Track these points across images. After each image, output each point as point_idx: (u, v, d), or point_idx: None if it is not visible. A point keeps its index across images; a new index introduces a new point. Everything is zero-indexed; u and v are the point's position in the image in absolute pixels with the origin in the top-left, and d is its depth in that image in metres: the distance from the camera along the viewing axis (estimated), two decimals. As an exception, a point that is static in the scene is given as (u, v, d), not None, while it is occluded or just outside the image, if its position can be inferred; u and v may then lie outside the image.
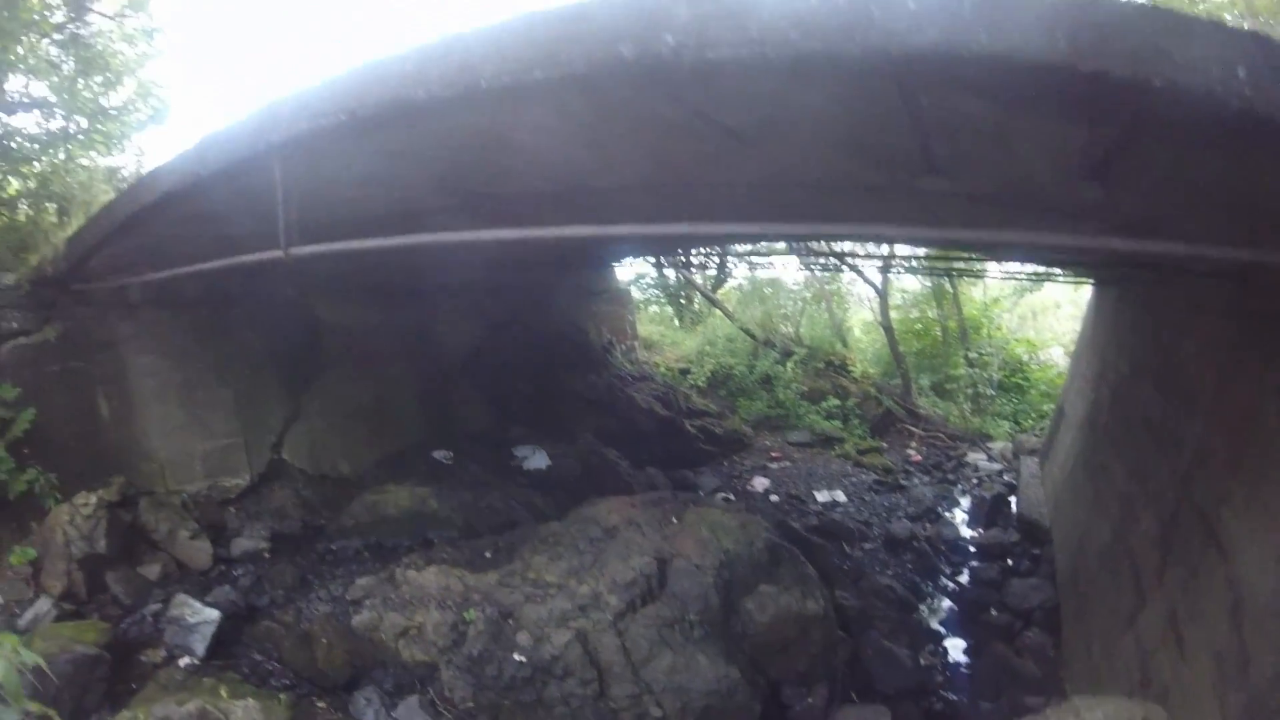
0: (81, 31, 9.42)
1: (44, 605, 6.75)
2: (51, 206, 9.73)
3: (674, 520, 7.13)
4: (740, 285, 21.83)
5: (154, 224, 6.12)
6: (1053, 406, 14.84)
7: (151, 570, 7.78)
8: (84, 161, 10.16)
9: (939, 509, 11.98)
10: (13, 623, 6.51)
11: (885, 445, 15.52)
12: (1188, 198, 3.41)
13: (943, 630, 8.12)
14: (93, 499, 7.78)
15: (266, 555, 8.44)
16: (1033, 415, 17.85)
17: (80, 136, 9.64)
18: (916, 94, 2.71)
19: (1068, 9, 2.12)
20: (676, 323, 21.54)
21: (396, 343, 10.92)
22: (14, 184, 9.93)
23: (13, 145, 9.44)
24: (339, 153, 4.10)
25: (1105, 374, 9.45)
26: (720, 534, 6.95)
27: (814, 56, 2.29)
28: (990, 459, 14.96)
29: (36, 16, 8.61)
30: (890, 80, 2.54)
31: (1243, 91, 2.04)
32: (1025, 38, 2.12)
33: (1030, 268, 12.93)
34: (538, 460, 10.96)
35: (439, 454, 10.77)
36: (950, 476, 13.98)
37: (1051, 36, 2.11)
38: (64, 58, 9.57)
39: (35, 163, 9.70)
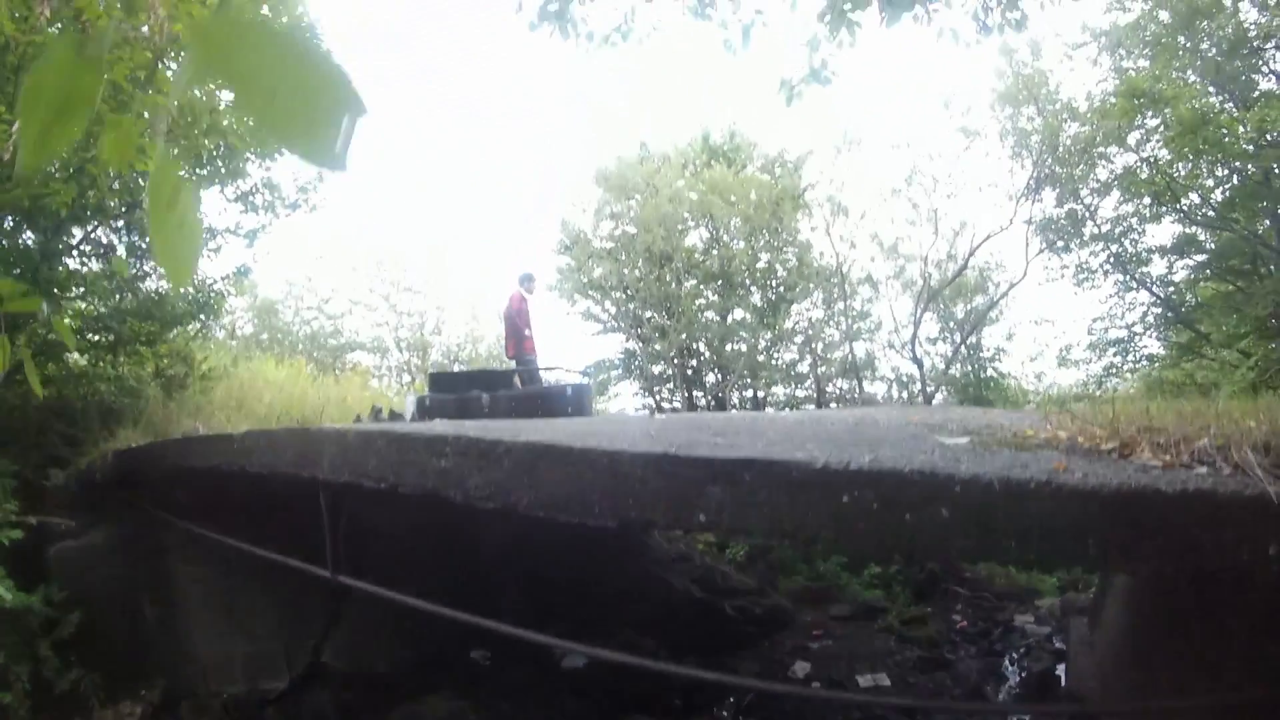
0: (133, 218, 9.72)
1: (83, 807, 6.85)
2: (101, 389, 10.05)
3: (714, 762, 7.05)
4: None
5: (200, 477, 6.47)
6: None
7: (192, 776, 7.85)
8: (131, 350, 10.47)
9: (986, 687, 11.57)
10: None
11: (930, 610, 15.02)
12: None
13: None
14: (138, 709, 7.93)
15: (306, 768, 8.42)
16: (1082, 560, 17.23)
17: (127, 321, 9.87)
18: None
19: (1104, 511, 2.23)
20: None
21: (436, 542, 11.00)
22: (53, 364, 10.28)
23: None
24: (377, 499, 4.35)
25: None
26: (762, 782, 6.84)
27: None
28: (1038, 620, 14.47)
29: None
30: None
31: (1271, 567, 2.14)
32: (1063, 544, 2.26)
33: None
34: (575, 659, 10.86)
35: (477, 654, 10.73)
36: (998, 646, 13.49)
37: (1083, 544, 2.24)
38: (117, 242, 10.04)
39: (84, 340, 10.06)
